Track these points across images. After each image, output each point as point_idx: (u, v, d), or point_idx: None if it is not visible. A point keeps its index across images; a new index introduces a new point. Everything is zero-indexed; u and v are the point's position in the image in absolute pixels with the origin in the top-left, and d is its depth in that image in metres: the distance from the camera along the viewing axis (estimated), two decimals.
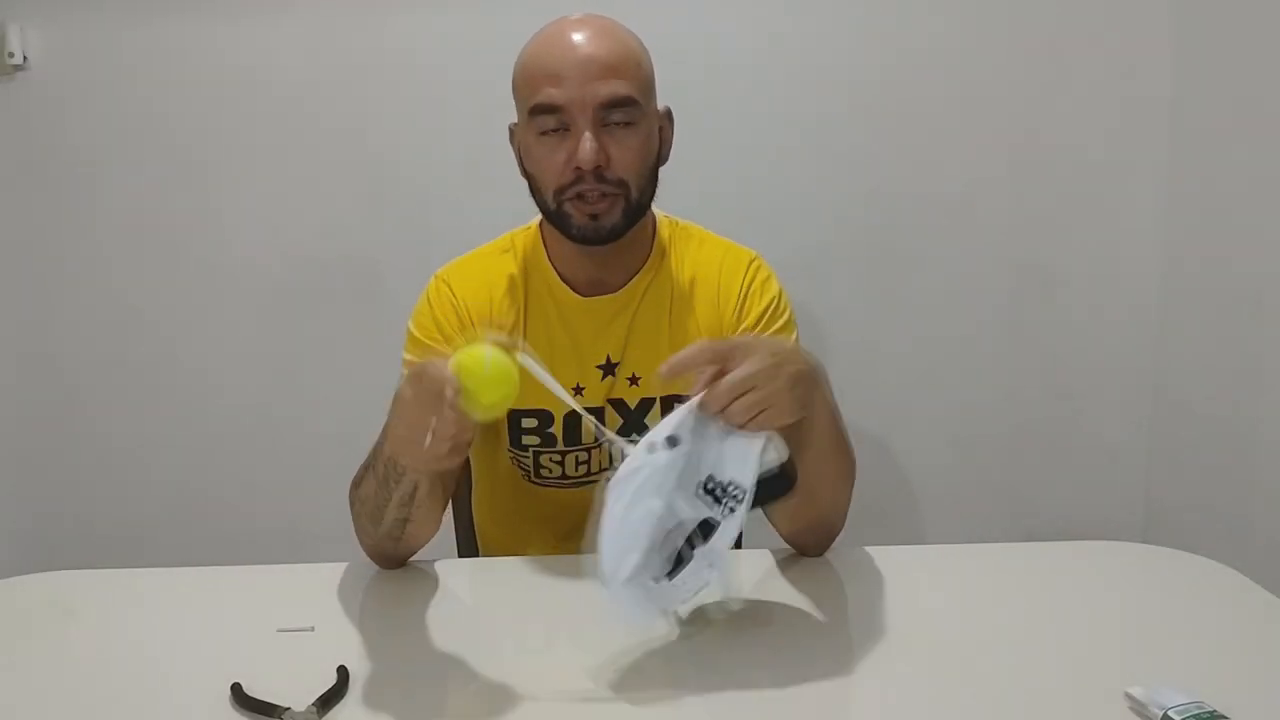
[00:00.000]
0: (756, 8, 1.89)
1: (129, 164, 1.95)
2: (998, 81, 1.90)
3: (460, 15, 1.88)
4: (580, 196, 1.12)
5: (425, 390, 0.88)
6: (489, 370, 0.88)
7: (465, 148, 1.90)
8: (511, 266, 1.24)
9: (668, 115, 1.21)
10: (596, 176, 1.11)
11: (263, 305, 1.99)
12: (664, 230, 1.25)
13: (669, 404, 1.22)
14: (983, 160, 1.93)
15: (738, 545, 1.40)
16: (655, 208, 1.24)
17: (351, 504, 1.13)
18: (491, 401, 0.89)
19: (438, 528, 1.14)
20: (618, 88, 1.10)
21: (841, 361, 1.82)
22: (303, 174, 1.95)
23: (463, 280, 1.24)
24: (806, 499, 1.03)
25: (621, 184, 1.12)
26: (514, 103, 1.17)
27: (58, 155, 1.95)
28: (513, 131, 1.19)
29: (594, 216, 1.12)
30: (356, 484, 1.11)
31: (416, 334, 1.22)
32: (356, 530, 1.13)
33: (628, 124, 1.11)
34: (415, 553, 1.14)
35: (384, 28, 1.90)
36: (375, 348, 1.80)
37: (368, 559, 1.14)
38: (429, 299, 1.24)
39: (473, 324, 1.21)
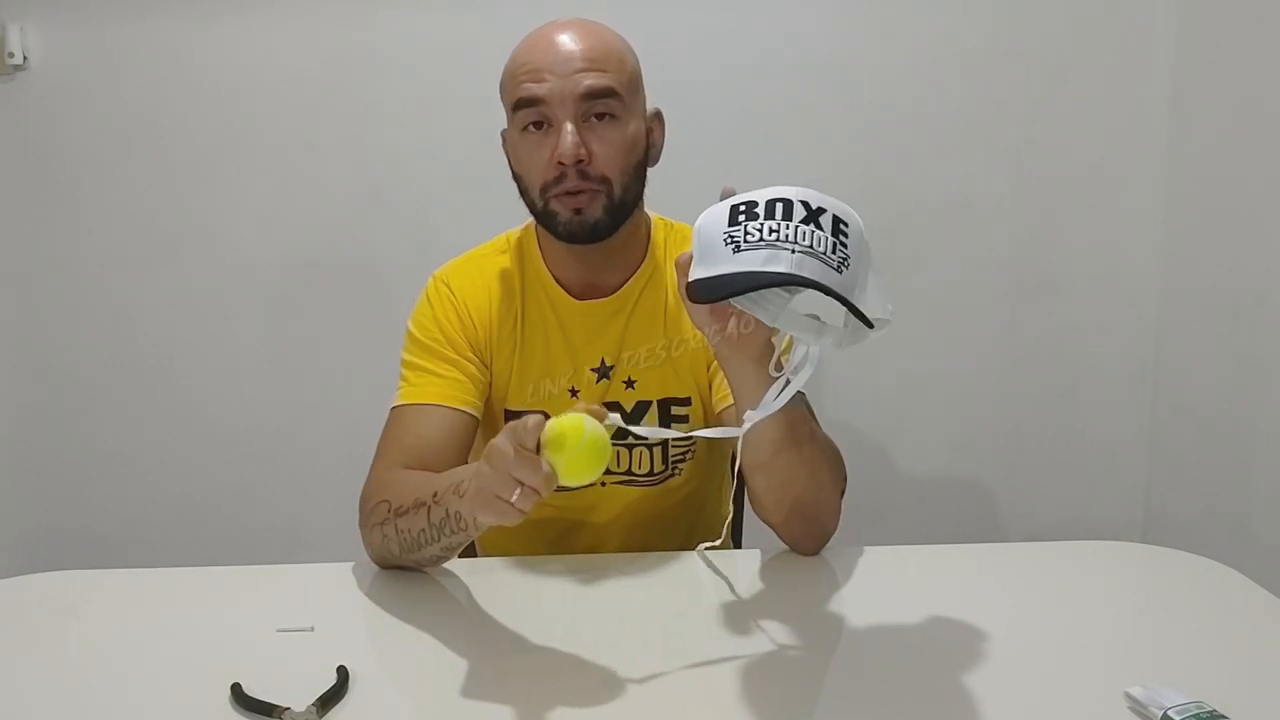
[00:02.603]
0: (755, 8, 1.88)
1: (128, 164, 1.95)
2: (998, 82, 1.90)
3: (459, 16, 1.88)
4: (565, 193, 1.12)
5: (523, 455, 0.85)
6: (584, 448, 0.85)
7: (464, 148, 1.90)
8: (508, 266, 1.24)
9: (657, 116, 1.21)
10: (579, 174, 1.11)
11: (262, 305, 1.99)
12: (658, 232, 1.25)
13: (665, 407, 1.23)
14: (983, 161, 1.93)
15: (737, 544, 1.41)
16: (650, 210, 1.24)
17: (370, 516, 1.10)
18: (581, 476, 0.85)
19: None
20: (598, 79, 1.10)
21: (841, 361, 1.82)
22: (302, 174, 1.95)
23: (462, 280, 1.24)
24: (781, 485, 1.07)
25: (604, 180, 1.12)
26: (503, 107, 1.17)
27: (57, 155, 1.95)
28: (504, 137, 1.20)
29: (577, 210, 1.12)
30: (394, 511, 1.06)
31: (417, 334, 1.22)
32: (369, 538, 1.11)
33: (610, 119, 1.11)
34: None
35: (383, 28, 1.90)
36: (374, 348, 1.81)
37: (367, 559, 1.14)
38: (429, 299, 1.24)
39: (474, 325, 1.22)
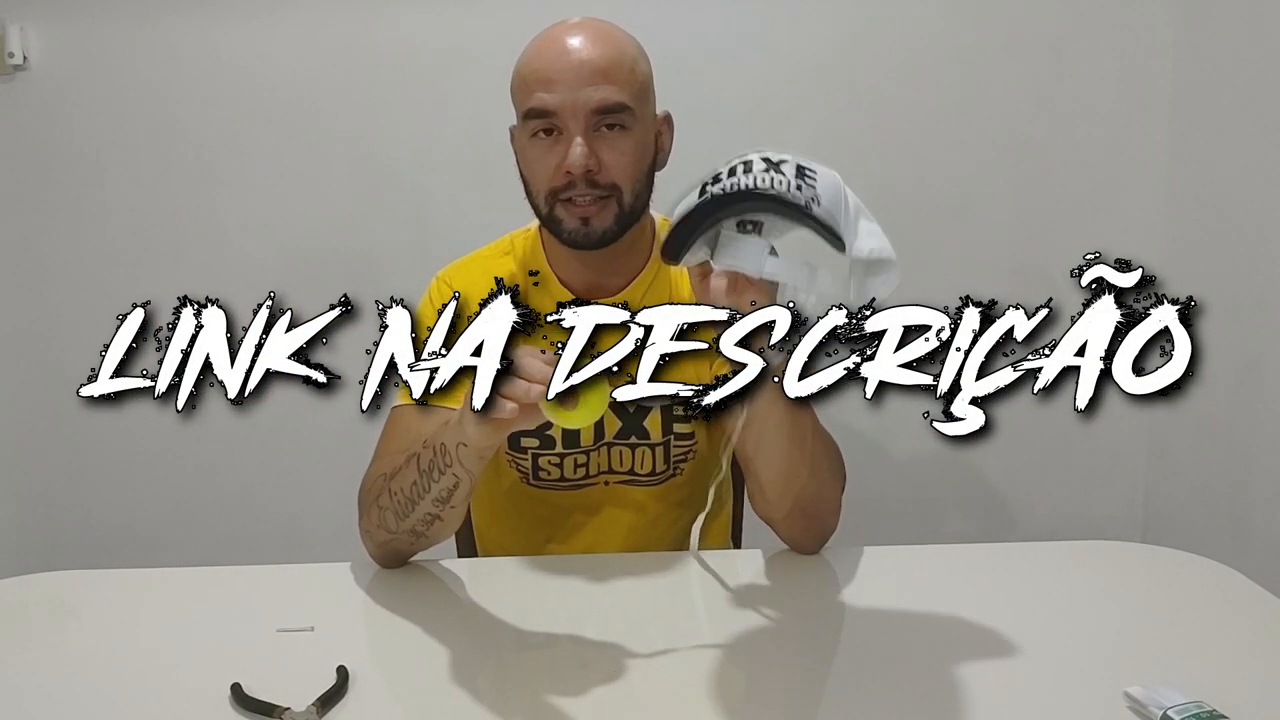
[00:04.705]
0: (757, 9, 1.89)
1: (129, 164, 1.94)
2: (998, 82, 1.90)
3: (460, 16, 1.88)
4: (571, 201, 1.12)
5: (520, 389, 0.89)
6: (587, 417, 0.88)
7: (465, 147, 1.90)
8: (512, 268, 1.24)
9: (667, 120, 1.21)
10: (588, 181, 1.10)
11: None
12: (663, 233, 1.25)
13: (668, 408, 1.22)
14: (982, 161, 1.93)
15: (737, 544, 1.41)
16: (654, 210, 1.24)
17: (367, 498, 1.12)
18: (571, 425, 0.89)
19: (454, 531, 1.14)
20: (609, 93, 1.09)
21: None
22: (302, 174, 1.95)
23: (465, 281, 1.24)
24: (783, 479, 1.07)
25: (613, 188, 1.12)
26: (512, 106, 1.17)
27: (58, 155, 1.95)
28: (512, 134, 1.19)
29: (585, 220, 1.12)
30: (388, 476, 1.09)
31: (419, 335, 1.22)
32: (367, 525, 1.12)
33: (620, 128, 1.11)
34: (421, 552, 1.14)
35: (384, 28, 1.90)
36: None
37: (368, 559, 1.14)
38: (431, 300, 1.24)
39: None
